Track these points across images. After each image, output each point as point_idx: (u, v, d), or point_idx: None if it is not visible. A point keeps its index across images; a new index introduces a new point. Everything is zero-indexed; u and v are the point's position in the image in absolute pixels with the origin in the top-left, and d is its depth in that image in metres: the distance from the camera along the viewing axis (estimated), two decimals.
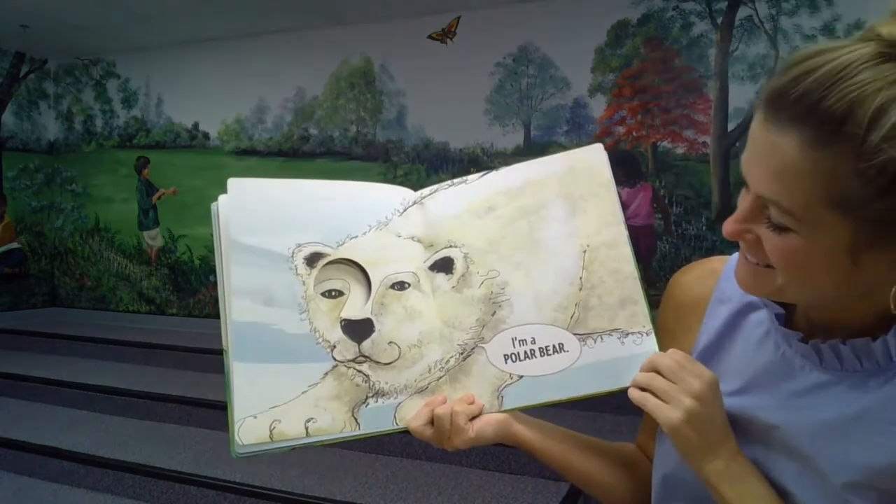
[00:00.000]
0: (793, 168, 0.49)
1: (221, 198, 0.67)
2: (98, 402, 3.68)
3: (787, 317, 0.64)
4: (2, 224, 5.54)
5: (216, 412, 3.36)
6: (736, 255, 0.67)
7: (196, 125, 5.41)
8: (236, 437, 0.62)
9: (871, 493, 0.54)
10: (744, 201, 0.55)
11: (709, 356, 0.68)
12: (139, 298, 5.61)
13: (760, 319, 0.66)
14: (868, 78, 0.46)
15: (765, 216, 0.53)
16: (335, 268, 0.68)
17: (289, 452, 0.64)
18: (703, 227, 3.99)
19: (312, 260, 0.68)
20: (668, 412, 0.59)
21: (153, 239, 5.55)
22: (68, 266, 5.90)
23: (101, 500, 2.76)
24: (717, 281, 0.71)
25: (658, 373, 0.61)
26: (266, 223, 0.67)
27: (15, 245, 5.65)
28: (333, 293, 0.68)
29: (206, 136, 5.37)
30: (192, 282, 5.40)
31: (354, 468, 2.84)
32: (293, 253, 0.67)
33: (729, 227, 0.56)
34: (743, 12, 3.87)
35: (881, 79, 0.46)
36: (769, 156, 0.51)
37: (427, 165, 4.69)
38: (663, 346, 0.65)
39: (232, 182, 0.68)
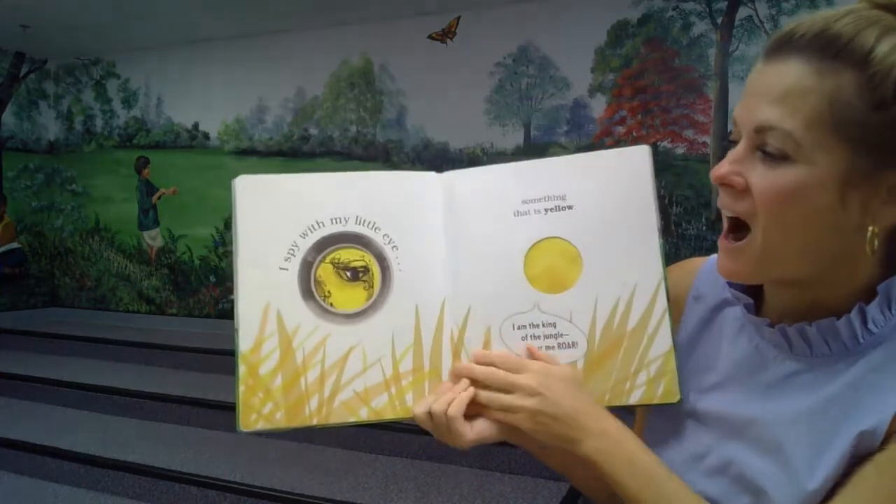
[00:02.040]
0: (797, 88, 0.51)
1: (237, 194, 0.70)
2: (98, 402, 3.68)
3: (758, 309, 0.64)
4: (2, 224, 5.54)
5: (216, 412, 3.37)
6: (712, 256, 0.68)
7: (196, 125, 5.41)
8: (240, 420, 0.66)
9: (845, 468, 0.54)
10: (735, 150, 0.56)
11: (686, 353, 0.69)
12: (139, 298, 5.61)
13: (735, 315, 0.67)
14: (865, 14, 0.51)
15: (758, 155, 0.54)
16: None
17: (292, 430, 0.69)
18: (703, 227, 3.99)
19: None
20: (517, 422, 0.62)
21: (153, 239, 5.55)
22: (68, 266, 5.90)
23: (101, 500, 2.76)
24: (693, 280, 0.72)
25: (496, 389, 0.64)
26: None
27: (15, 245, 5.65)
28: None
29: (206, 136, 5.37)
30: (192, 282, 5.40)
31: (354, 468, 2.84)
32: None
33: (722, 168, 0.56)
34: (743, 12, 3.87)
35: (877, 17, 0.50)
36: (772, 85, 0.53)
37: (427, 165, 4.68)
38: None
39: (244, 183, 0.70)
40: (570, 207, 0.68)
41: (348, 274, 0.69)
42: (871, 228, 0.52)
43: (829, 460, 0.54)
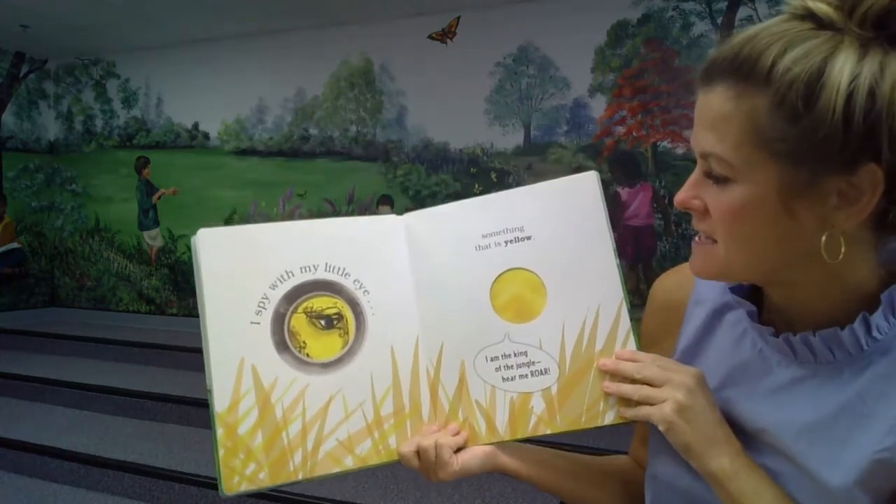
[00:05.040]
0: (721, 115, 0.54)
1: (201, 251, 0.67)
2: (98, 402, 3.68)
3: (760, 314, 0.64)
4: (2, 224, 5.54)
5: None
6: None
7: (196, 125, 5.40)
8: (223, 484, 0.64)
9: (868, 492, 0.53)
10: (691, 176, 0.60)
11: (689, 358, 0.69)
12: (139, 298, 5.61)
13: (737, 319, 0.66)
14: (776, 30, 0.52)
15: (709, 177, 0.57)
16: None
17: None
18: None
19: None
20: (659, 410, 0.60)
21: (153, 239, 5.55)
22: (68, 266, 5.90)
23: (101, 500, 2.76)
24: (693, 285, 0.72)
25: (644, 382, 0.62)
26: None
27: (15, 245, 5.64)
28: None
29: (206, 136, 5.37)
30: (192, 282, 5.37)
31: None
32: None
33: (679, 196, 0.60)
34: (743, 12, 3.87)
35: (786, 31, 0.51)
36: (704, 113, 0.56)
37: (427, 165, 4.69)
38: (646, 351, 0.66)
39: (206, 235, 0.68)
40: (528, 238, 0.70)
41: (322, 322, 0.68)
42: (824, 236, 0.53)
43: (849, 463, 0.54)
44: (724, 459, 0.58)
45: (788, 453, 0.58)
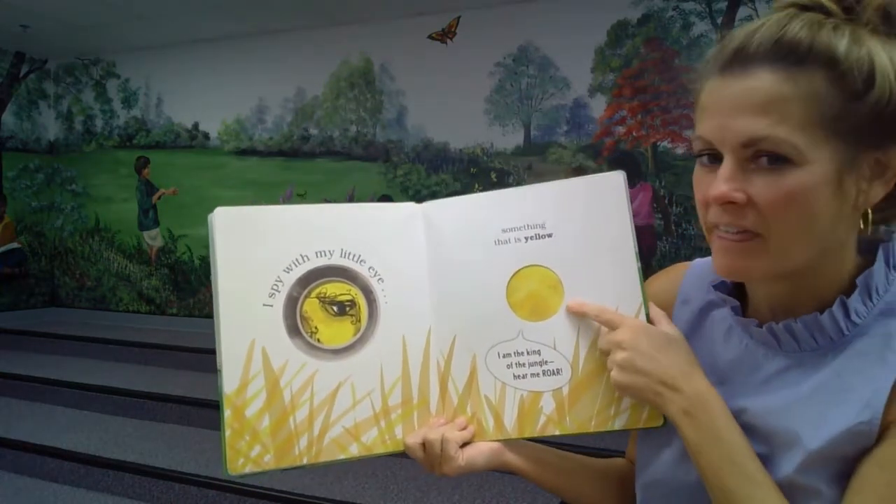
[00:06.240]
0: (777, 97, 0.53)
1: (217, 229, 0.67)
2: (98, 402, 3.68)
3: (744, 310, 0.65)
4: (2, 224, 5.54)
5: (216, 412, 3.35)
6: (698, 260, 0.71)
7: (196, 125, 5.40)
8: (227, 464, 0.64)
9: (833, 463, 0.54)
10: (724, 168, 0.56)
11: None
12: (139, 298, 5.61)
13: (722, 316, 0.67)
14: (806, 17, 0.53)
15: (756, 164, 0.54)
16: None
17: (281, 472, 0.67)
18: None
19: None
20: (615, 377, 0.62)
21: (153, 239, 5.55)
22: (68, 266, 5.90)
23: (101, 500, 2.76)
24: (679, 285, 0.73)
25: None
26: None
27: (15, 245, 5.64)
28: None
29: (206, 136, 5.37)
30: (192, 282, 5.40)
31: (354, 468, 2.84)
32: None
33: (722, 187, 0.56)
34: (743, 12, 3.87)
35: (813, 16, 0.54)
36: (747, 98, 0.54)
37: (427, 165, 4.69)
38: None
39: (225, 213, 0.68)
40: (549, 235, 0.69)
41: (335, 308, 0.68)
42: (867, 209, 0.56)
43: (827, 431, 0.54)
44: (676, 402, 0.59)
45: (767, 431, 0.59)
